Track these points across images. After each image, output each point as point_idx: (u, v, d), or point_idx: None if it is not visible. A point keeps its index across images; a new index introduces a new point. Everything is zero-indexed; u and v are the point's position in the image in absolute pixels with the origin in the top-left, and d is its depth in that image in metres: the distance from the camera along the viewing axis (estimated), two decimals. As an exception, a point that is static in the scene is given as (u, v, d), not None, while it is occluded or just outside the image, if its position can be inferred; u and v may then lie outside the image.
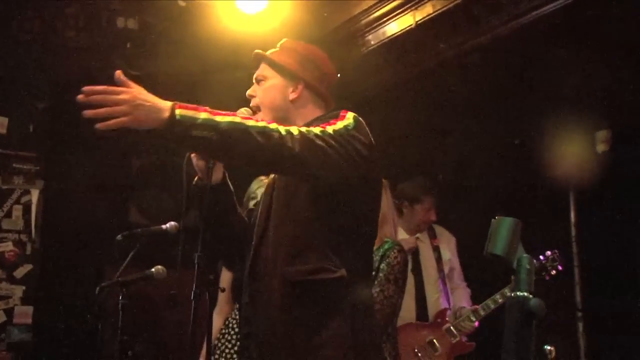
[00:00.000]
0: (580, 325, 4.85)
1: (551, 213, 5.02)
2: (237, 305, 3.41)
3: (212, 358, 3.34)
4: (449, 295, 4.18)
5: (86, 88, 1.83)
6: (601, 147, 4.70)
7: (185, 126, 1.81)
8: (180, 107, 1.83)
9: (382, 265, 3.24)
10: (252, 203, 2.68)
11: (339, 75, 2.46)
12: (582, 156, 4.61)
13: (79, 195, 4.99)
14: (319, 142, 1.96)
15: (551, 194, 4.98)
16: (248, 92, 2.35)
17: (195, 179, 2.23)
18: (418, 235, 4.25)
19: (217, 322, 3.44)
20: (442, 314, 4.07)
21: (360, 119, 2.17)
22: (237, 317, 3.42)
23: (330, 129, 2.04)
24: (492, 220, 1.25)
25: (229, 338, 3.42)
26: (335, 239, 2.09)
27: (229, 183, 2.33)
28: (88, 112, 1.81)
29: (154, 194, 5.23)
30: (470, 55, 3.97)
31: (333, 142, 1.99)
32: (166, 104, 1.85)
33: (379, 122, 4.61)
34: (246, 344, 2.23)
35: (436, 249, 4.29)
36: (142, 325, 4.69)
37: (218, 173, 2.25)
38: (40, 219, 4.93)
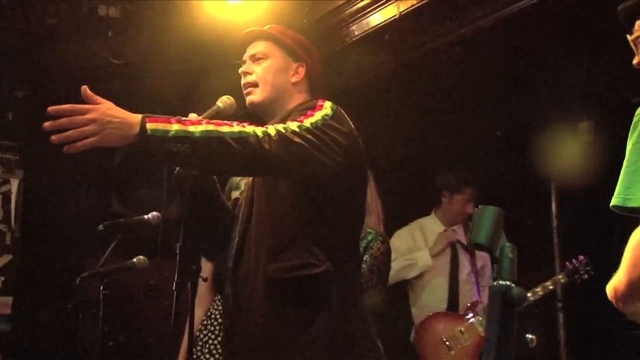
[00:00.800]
0: (561, 316, 4.90)
1: (533, 204, 5.06)
2: (219, 296, 3.40)
3: (195, 349, 3.34)
4: (480, 288, 4.22)
5: (51, 108, 1.77)
6: (584, 138, 4.73)
7: (157, 141, 1.76)
8: (150, 121, 1.77)
9: (366, 257, 3.23)
10: (235, 194, 2.66)
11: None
12: (565, 147, 4.65)
13: (60, 185, 4.95)
14: (297, 139, 1.94)
15: (533, 185, 5.02)
16: (243, 68, 2.28)
17: (177, 168, 2.20)
18: (455, 227, 4.28)
19: (198, 312, 3.43)
20: (473, 306, 4.10)
21: (339, 107, 2.15)
22: (220, 307, 3.42)
23: (307, 123, 2.01)
24: (475, 209, 1.25)
25: (212, 329, 3.40)
26: (318, 232, 2.07)
27: None
28: (55, 138, 1.76)
29: (137, 184, 5.20)
30: (454, 46, 3.97)
31: (311, 137, 1.97)
32: (135, 119, 1.78)
33: (363, 113, 4.63)
34: (230, 336, 2.21)
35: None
36: (124, 316, 4.67)
37: None
38: (20, 208, 4.87)
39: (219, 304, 3.43)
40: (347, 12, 4.19)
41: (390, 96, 4.79)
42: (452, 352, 3.97)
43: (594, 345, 4.68)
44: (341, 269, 2.07)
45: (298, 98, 2.27)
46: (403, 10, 3.89)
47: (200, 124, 1.84)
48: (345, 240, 2.15)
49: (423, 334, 4.07)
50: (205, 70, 4.64)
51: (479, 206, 1.26)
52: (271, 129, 1.93)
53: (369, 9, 4.11)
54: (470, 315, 4.06)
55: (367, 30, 4.17)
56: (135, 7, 4.20)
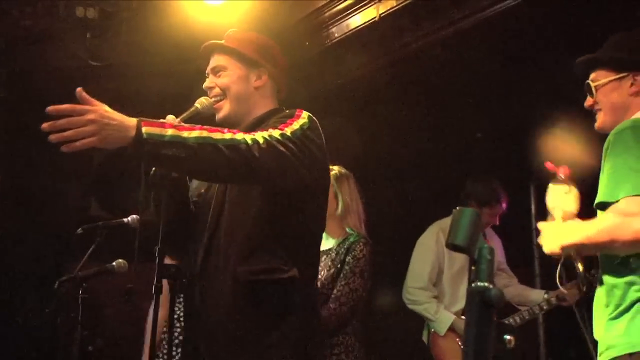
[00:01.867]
0: (540, 316, 4.93)
1: (512, 205, 5.08)
2: (175, 298, 3.42)
3: (160, 349, 3.36)
4: None
5: (50, 108, 1.82)
6: (562, 139, 4.77)
7: (152, 144, 1.80)
8: (146, 125, 1.81)
9: (348, 258, 3.23)
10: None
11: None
12: (544, 148, 4.68)
13: (38, 188, 4.90)
14: (281, 148, 1.98)
15: (512, 186, 5.05)
16: (206, 84, 2.32)
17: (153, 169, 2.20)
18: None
19: (162, 313, 3.43)
20: None
21: (314, 118, 2.18)
22: (177, 311, 3.43)
23: (289, 131, 2.04)
24: (453, 210, 1.26)
25: (176, 329, 3.41)
26: (287, 239, 2.11)
27: None
28: (53, 137, 1.80)
29: (116, 187, 5.16)
30: (434, 48, 3.99)
31: (293, 147, 2.01)
32: (132, 122, 1.83)
33: (342, 114, 4.63)
34: (190, 338, 2.22)
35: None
36: (104, 320, 4.63)
37: None
38: (-2, 211, 4.83)
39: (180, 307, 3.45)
40: (327, 14, 4.19)
41: (370, 98, 4.80)
42: None
43: (572, 346, 4.72)
44: (304, 274, 2.12)
45: (264, 103, 2.30)
46: (383, 13, 3.90)
47: (194, 129, 1.87)
48: (309, 249, 2.20)
49: (439, 338, 4.10)
50: (185, 72, 4.62)
51: (457, 208, 1.27)
52: (259, 137, 1.96)
53: (348, 11, 4.12)
54: None
55: (347, 32, 4.18)
56: (113, 9, 4.18)
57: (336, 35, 4.24)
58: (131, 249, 3.03)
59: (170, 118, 2.18)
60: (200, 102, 2.27)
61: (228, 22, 4.08)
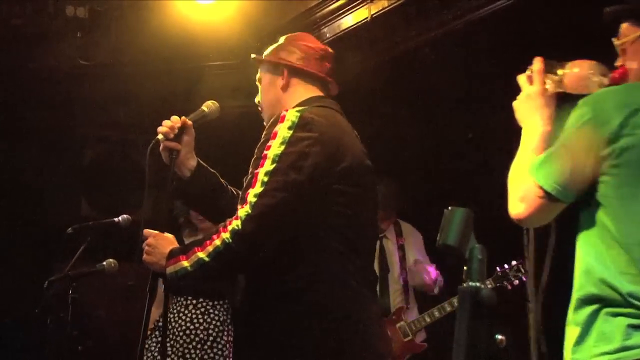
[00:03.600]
0: (530, 317, 4.94)
1: (503, 205, 5.09)
2: (178, 298, 3.49)
3: (146, 348, 3.38)
4: (409, 294, 4.22)
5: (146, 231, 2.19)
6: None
7: (172, 278, 2.13)
8: (168, 265, 2.11)
9: None
10: None
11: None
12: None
13: (29, 187, 4.87)
14: (265, 209, 2.00)
15: (503, 186, 5.05)
16: (256, 99, 2.39)
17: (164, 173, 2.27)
18: (385, 233, 4.28)
19: (154, 314, 3.45)
20: (399, 311, 4.11)
21: (306, 111, 2.13)
22: (181, 310, 3.46)
23: (266, 167, 2.03)
24: (445, 210, 1.26)
25: (172, 331, 3.42)
26: (298, 250, 2.09)
27: (205, 166, 2.33)
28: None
29: (106, 187, 5.14)
30: (424, 48, 4.00)
31: (276, 186, 2.01)
32: (164, 258, 2.12)
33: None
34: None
35: (401, 248, 4.31)
36: (93, 320, 4.61)
37: (191, 161, 2.27)
38: (-12, 210, 4.80)
39: (180, 305, 3.45)
40: (319, 14, 4.19)
41: (362, 98, 4.80)
42: None
43: (562, 345, 4.73)
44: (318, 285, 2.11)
45: (291, 99, 2.29)
46: (374, 13, 3.90)
47: (194, 253, 2.08)
48: (324, 255, 2.15)
49: None
50: (177, 71, 4.61)
51: (449, 207, 1.26)
52: (235, 223, 2.02)
53: (340, 12, 4.12)
54: (394, 319, 4.08)
55: (339, 32, 4.18)
56: (103, 8, 4.16)
57: (328, 35, 4.24)
58: (122, 248, 3.02)
59: (174, 119, 2.20)
60: (207, 106, 2.32)
61: (219, 20, 4.09)
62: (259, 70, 2.39)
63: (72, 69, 4.47)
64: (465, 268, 1.23)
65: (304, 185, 2.04)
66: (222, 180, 2.38)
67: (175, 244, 2.15)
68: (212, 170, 2.37)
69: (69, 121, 5.02)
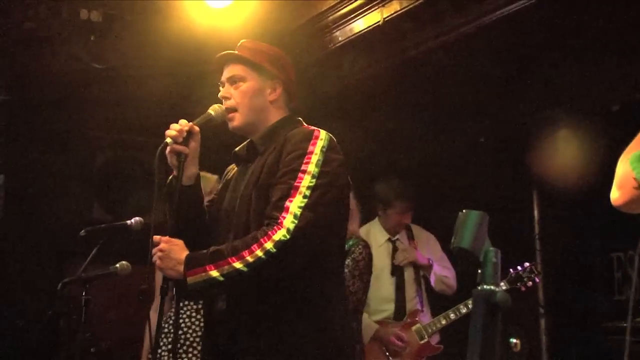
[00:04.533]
0: (543, 322, 4.92)
1: (515, 210, 5.08)
2: (180, 303, 3.46)
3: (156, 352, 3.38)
4: (422, 296, 4.21)
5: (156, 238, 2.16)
6: (566, 144, 4.76)
7: (195, 286, 2.08)
8: (190, 275, 2.06)
9: (347, 261, 3.25)
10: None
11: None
12: (547, 153, 4.68)
13: (41, 190, 4.90)
14: (311, 221, 2.05)
15: (515, 191, 5.04)
16: (222, 93, 2.33)
17: (171, 176, 2.24)
18: (398, 237, 4.26)
19: (153, 319, 3.45)
20: (414, 314, 4.10)
21: (330, 135, 2.22)
22: (183, 315, 3.44)
23: (307, 182, 2.09)
24: (459, 213, 1.25)
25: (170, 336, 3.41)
26: (322, 265, 2.17)
27: (200, 181, 2.33)
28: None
29: (118, 190, 5.16)
30: (436, 52, 3.99)
31: (319, 201, 2.09)
32: (180, 264, 2.09)
33: (345, 118, 4.63)
34: (211, 339, 2.23)
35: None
36: (106, 322, 4.63)
37: (193, 169, 2.25)
38: (1, 213, 4.82)
39: (184, 310, 3.45)
40: (331, 18, 4.19)
41: (373, 101, 4.80)
42: None
43: (574, 351, 4.71)
44: (328, 280, 2.18)
45: (277, 114, 2.34)
46: (387, 17, 3.90)
47: (228, 264, 2.03)
48: (338, 245, 2.27)
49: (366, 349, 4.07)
50: (188, 75, 4.62)
51: (463, 211, 1.26)
52: (281, 234, 2.02)
53: (352, 15, 4.11)
54: (410, 322, 4.07)
55: (351, 36, 4.18)
56: (117, 12, 4.18)
57: (340, 39, 4.24)
58: (134, 251, 3.03)
59: (182, 122, 2.20)
60: (214, 109, 2.30)
61: (231, 25, 4.09)
62: (237, 67, 2.32)
63: (85, 73, 4.49)
64: (479, 271, 1.22)
65: (337, 203, 2.15)
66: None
67: (186, 250, 2.11)
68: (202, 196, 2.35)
69: (81, 124, 5.05)
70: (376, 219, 4.33)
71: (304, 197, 2.07)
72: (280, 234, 2.01)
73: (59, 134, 4.97)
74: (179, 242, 2.13)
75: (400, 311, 4.11)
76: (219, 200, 2.38)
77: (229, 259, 2.02)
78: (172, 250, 2.10)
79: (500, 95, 4.47)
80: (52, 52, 4.39)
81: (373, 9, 3.96)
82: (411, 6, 3.74)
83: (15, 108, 4.81)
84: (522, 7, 3.42)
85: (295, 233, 2.02)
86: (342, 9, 4.11)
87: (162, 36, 4.28)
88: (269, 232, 2.03)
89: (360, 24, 4.13)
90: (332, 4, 4.11)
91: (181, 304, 3.47)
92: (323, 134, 2.19)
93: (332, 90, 4.65)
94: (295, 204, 2.06)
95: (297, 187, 2.09)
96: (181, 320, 3.43)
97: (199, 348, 3.40)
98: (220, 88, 2.36)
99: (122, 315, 4.76)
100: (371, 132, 4.92)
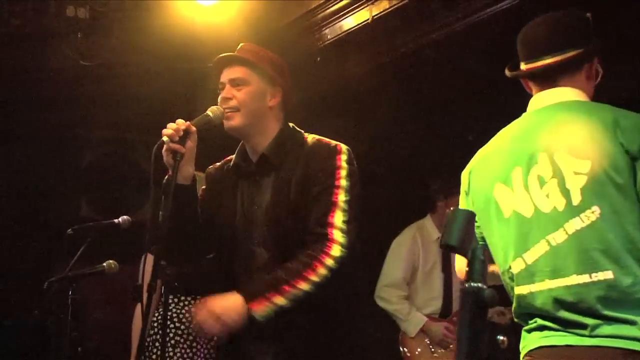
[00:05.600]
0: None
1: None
2: (177, 297, 3.46)
3: (149, 353, 3.39)
4: None
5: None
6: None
7: (269, 316, 2.10)
8: (254, 307, 2.06)
9: None
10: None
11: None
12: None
13: (29, 188, 4.87)
14: (353, 235, 2.20)
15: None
16: (224, 94, 2.34)
17: (167, 175, 2.23)
18: None
19: (138, 317, 3.47)
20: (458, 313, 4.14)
21: (348, 147, 2.35)
22: (180, 309, 3.45)
23: (346, 196, 2.23)
24: (447, 211, 1.25)
25: (171, 331, 3.43)
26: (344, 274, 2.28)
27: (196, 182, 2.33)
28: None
29: (106, 188, 5.14)
30: (426, 50, 3.99)
31: (355, 215, 2.24)
32: (238, 307, 2.08)
33: (335, 116, 4.62)
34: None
35: None
36: (93, 321, 4.61)
37: (189, 169, 2.24)
38: (-13, 212, 4.80)
39: (181, 306, 3.46)
40: (320, 15, 4.18)
41: (363, 100, 4.80)
42: (435, 356, 4.04)
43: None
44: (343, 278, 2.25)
45: (274, 120, 2.37)
46: (376, 15, 3.89)
47: (293, 287, 2.10)
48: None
49: (408, 339, 4.16)
50: (176, 72, 4.60)
51: (451, 209, 1.26)
52: (338, 249, 2.14)
53: (341, 13, 4.11)
54: (455, 320, 4.11)
55: (340, 34, 4.17)
56: (105, 8, 4.15)
57: (329, 37, 4.24)
58: (122, 250, 3.02)
59: (180, 122, 2.20)
60: (212, 110, 2.29)
61: (220, 22, 4.08)
62: (241, 69, 2.34)
63: (73, 70, 4.46)
64: (467, 269, 1.22)
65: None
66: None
67: (225, 298, 2.12)
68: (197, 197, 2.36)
69: (69, 122, 5.02)
70: (428, 215, 4.39)
71: (344, 211, 2.20)
72: (336, 250, 2.13)
73: (46, 131, 4.94)
74: (211, 299, 2.14)
75: (447, 308, 4.20)
76: (219, 208, 2.37)
77: (293, 283, 2.09)
78: (222, 309, 2.09)
79: (489, 93, 4.48)
80: (40, 49, 4.36)
81: (362, 7, 3.95)
82: (400, 4, 3.74)
83: (2, 106, 4.77)
84: (512, 5, 3.43)
85: (347, 247, 2.15)
86: (331, 6, 4.10)
87: (151, 33, 4.27)
88: (325, 249, 2.14)
89: (350, 22, 4.12)
90: (321, 2, 4.11)
91: (177, 300, 3.48)
92: (344, 148, 2.32)
93: (322, 89, 4.64)
94: (339, 219, 2.18)
95: (336, 203, 2.21)
96: (181, 315, 3.46)
97: (204, 341, 3.45)
98: (219, 89, 2.36)
99: (109, 314, 4.74)
100: (359, 129, 4.92)
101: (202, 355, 3.48)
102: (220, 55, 2.39)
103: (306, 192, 2.21)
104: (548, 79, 2.06)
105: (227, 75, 2.35)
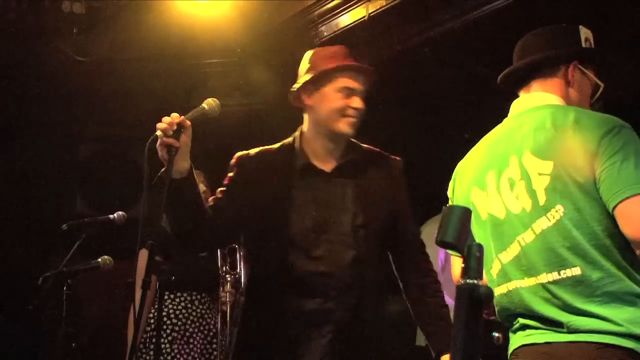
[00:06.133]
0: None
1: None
2: (174, 294, 3.49)
3: (142, 345, 3.42)
4: None
5: None
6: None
7: None
8: None
9: None
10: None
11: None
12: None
13: (23, 183, 4.86)
14: None
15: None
16: (358, 104, 2.56)
17: (162, 170, 2.20)
18: None
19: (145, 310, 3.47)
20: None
21: None
22: (177, 306, 3.48)
23: None
24: (443, 207, 1.26)
25: (167, 327, 3.44)
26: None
27: (195, 179, 2.30)
28: None
29: (102, 184, 5.12)
30: (422, 48, 3.99)
31: None
32: None
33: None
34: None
35: None
36: (87, 316, 4.60)
37: (184, 163, 2.22)
38: (-19, 207, 4.78)
39: (177, 302, 3.46)
40: (317, 12, 4.19)
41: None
42: None
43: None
44: None
45: None
46: (372, 12, 3.90)
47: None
48: None
49: None
50: (172, 68, 4.59)
51: (446, 205, 1.26)
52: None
53: (338, 10, 4.11)
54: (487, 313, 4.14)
55: (336, 31, 4.17)
56: (100, 4, 4.14)
57: (325, 34, 4.24)
58: (117, 245, 3.01)
59: (174, 116, 2.18)
60: (208, 103, 2.28)
61: (216, 18, 4.07)
62: (369, 82, 2.60)
63: (68, 65, 4.45)
64: (462, 265, 1.22)
65: None
66: (203, 202, 2.35)
67: None
68: (198, 190, 2.34)
69: (64, 118, 5.01)
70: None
71: None
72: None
73: (42, 127, 4.92)
74: None
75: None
76: (266, 198, 2.38)
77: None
78: None
79: (485, 91, 4.48)
80: (35, 43, 4.35)
81: (358, 4, 3.96)
82: (396, 2, 3.74)
83: (-2, 100, 4.76)
84: (509, 3, 3.44)
85: None
86: (327, 3, 4.11)
87: (147, 29, 4.26)
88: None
89: (346, 19, 4.12)
90: (317, -2, 4.11)
91: (173, 296, 3.49)
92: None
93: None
94: None
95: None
96: (178, 311, 3.48)
97: (200, 336, 3.48)
98: (339, 92, 2.49)
99: (104, 310, 4.74)
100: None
101: (198, 350, 3.50)
102: (360, 65, 2.60)
103: (400, 205, 2.53)
104: (521, 83, 2.13)
105: (361, 84, 2.55)
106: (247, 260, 2.62)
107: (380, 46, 4.20)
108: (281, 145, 2.49)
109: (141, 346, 3.43)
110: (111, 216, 3.37)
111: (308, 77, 2.45)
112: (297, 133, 2.51)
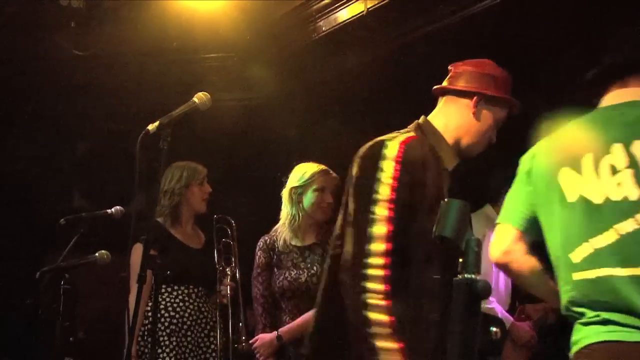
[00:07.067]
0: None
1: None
2: (171, 287, 3.51)
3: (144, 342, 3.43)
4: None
5: None
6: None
7: None
8: None
9: None
10: None
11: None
12: (528, 147, 4.69)
13: (20, 178, 4.85)
14: None
15: (487, 186, 5.07)
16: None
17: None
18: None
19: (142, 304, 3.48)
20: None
21: None
22: (174, 299, 3.50)
23: None
24: (441, 202, 1.25)
25: (164, 320, 3.44)
26: None
27: None
28: None
29: (99, 178, 5.12)
30: (420, 43, 3.99)
31: None
32: None
33: (328, 109, 4.62)
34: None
35: None
36: (85, 311, 4.59)
37: None
38: (-22, 201, 4.78)
39: (174, 295, 3.48)
40: (315, 7, 4.18)
41: (357, 92, 4.79)
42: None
43: (553, 339, 4.76)
44: None
45: None
46: (370, 7, 3.90)
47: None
48: None
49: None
50: (171, 62, 4.59)
51: (445, 200, 1.26)
52: None
53: (336, 5, 4.11)
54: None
55: (335, 25, 4.17)
56: (99, -2, 4.14)
57: (324, 29, 4.23)
58: (115, 240, 3.01)
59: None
60: (199, 97, 2.31)
61: (214, 13, 4.07)
62: None
63: (66, 59, 4.44)
64: (460, 260, 1.23)
65: None
66: None
67: None
68: None
69: (61, 112, 5.00)
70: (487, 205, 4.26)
71: None
72: None
73: (39, 121, 4.91)
74: None
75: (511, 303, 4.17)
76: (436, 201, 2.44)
77: None
78: None
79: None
80: (34, 37, 4.34)
81: (357, -1, 3.96)
82: (395, -4, 3.74)
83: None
84: (507, -2, 3.44)
85: None
86: (326, -2, 4.11)
87: (146, 24, 4.25)
88: None
89: (344, 14, 4.12)
90: (316, -7, 4.11)
91: (170, 289, 3.50)
92: None
93: (315, 81, 4.63)
94: None
95: None
96: (175, 305, 3.49)
97: (198, 329, 3.51)
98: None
99: (101, 305, 4.73)
100: (353, 121, 4.92)
101: (196, 343, 3.50)
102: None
103: None
104: (616, 78, 2.13)
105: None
106: None
107: (379, 41, 4.19)
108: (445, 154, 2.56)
109: (139, 338, 3.44)
110: (109, 211, 3.37)
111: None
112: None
